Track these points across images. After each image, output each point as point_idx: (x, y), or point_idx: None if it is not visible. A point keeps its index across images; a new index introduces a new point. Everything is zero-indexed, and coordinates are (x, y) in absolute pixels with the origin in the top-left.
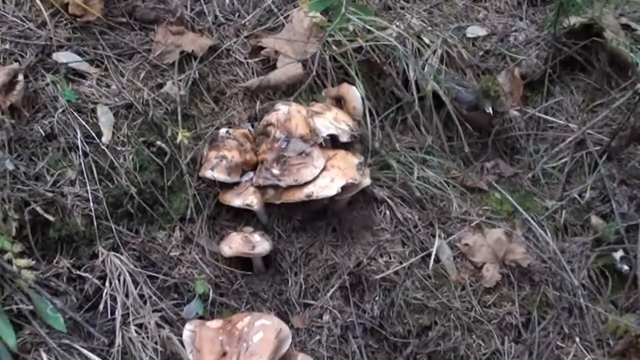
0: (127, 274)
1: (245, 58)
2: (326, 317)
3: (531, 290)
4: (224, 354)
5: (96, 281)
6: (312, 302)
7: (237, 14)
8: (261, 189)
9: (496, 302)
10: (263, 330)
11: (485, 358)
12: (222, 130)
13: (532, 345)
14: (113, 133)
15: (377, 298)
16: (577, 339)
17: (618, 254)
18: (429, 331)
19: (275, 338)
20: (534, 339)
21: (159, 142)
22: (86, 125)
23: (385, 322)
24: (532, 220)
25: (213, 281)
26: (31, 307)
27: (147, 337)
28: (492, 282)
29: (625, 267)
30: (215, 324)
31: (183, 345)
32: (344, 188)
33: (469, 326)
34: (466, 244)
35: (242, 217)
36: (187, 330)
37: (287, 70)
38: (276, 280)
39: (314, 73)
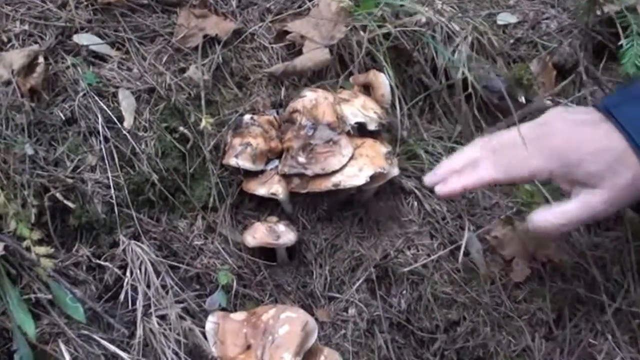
0: (148, 263)
1: (269, 43)
2: (352, 311)
3: (562, 286)
4: (249, 346)
5: (116, 270)
6: (337, 295)
7: None
8: (286, 177)
9: (526, 297)
10: (289, 323)
11: (515, 355)
12: (247, 117)
13: (563, 342)
14: (135, 118)
15: (404, 292)
16: (610, 337)
17: None
18: (457, 326)
19: (301, 331)
20: (565, 336)
21: (181, 128)
22: (107, 110)
23: (413, 317)
24: None
25: (236, 272)
26: (50, 297)
27: (169, 329)
28: (522, 277)
29: None
30: (239, 316)
31: (205, 338)
32: (372, 178)
33: (498, 322)
34: (495, 237)
35: (266, 207)
36: (210, 322)
37: (313, 55)
38: (300, 272)
39: (341, 59)
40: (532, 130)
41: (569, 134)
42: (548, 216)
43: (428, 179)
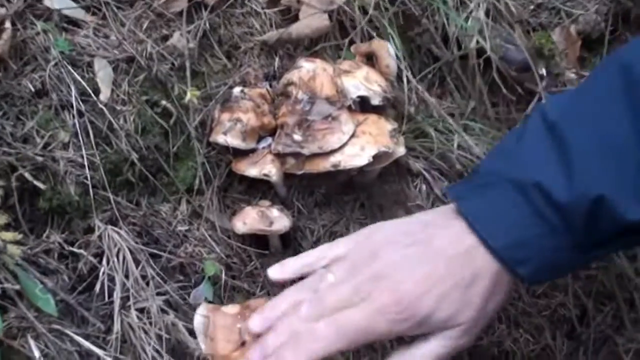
0: (127, 251)
1: (262, 8)
2: None
3: (587, 279)
4: (243, 343)
5: (91, 259)
6: None
7: None
8: (280, 157)
9: (547, 291)
10: None
11: (533, 354)
12: (236, 90)
13: (587, 341)
14: (112, 90)
15: None
16: (639, 335)
17: None
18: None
19: None
20: (590, 335)
21: (163, 102)
22: (82, 81)
23: None
24: None
25: (224, 261)
26: (18, 287)
27: (150, 324)
28: None
29: None
30: (231, 309)
31: (191, 333)
32: (376, 157)
33: (515, 318)
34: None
35: (258, 190)
36: (199, 316)
37: (310, 22)
38: None
39: (342, 26)
40: (359, 270)
41: (407, 273)
42: None
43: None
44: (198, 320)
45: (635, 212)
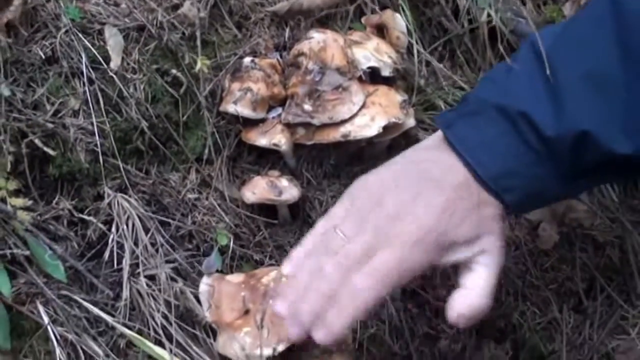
0: (136, 218)
1: None
2: None
3: (594, 253)
4: (247, 311)
5: (101, 226)
6: None
7: None
8: (290, 127)
9: (554, 265)
10: None
11: (540, 327)
12: (247, 60)
13: (593, 314)
14: (122, 58)
15: None
16: None
17: None
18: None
19: None
20: (596, 308)
21: (174, 71)
22: (92, 49)
23: (427, 285)
24: None
25: (233, 231)
26: (27, 253)
27: (159, 290)
28: (549, 244)
29: None
30: (236, 278)
31: (199, 301)
32: (386, 129)
33: (523, 291)
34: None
35: (267, 160)
36: (205, 285)
37: None
38: (304, 232)
39: None
40: (371, 218)
41: (424, 206)
42: (464, 308)
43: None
44: (203, 288)
45: (622, 145)
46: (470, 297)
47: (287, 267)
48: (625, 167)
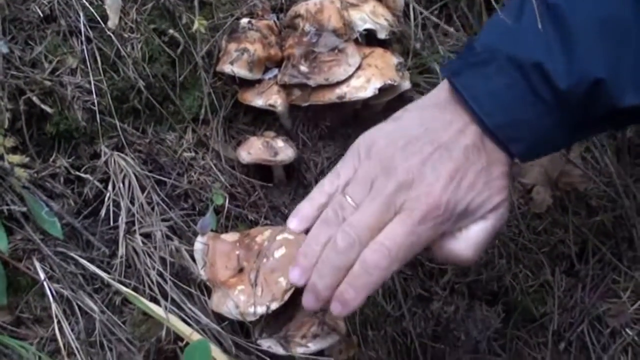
0: (132, 177)
1: None
2: None
3: (587, 217)
4: (241, 269)
5: (97, 184)
6: None
7: None
8: (286, 88)
9: (547, 228)
10: (286, 245)
11: (532, 290)
12: (244, 21)
13: (585, 277)
14: (120, 18)
15: None
16: (637, 274)
17: None
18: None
19: None
20: (588, 271)
21: (171, 31)
22: (90, 7)
23: None
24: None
25: (228, 191)
26: (24, 209)
27: (155, 248)
28: (542, 207)
29: None
30: (230, 237)
31: (193, 259)
32: (381, 91)
33: (515, 254)
34: (515, 163)
35: (263, 121)
36: (199, 243)
37: None
38: (299, 194)
39: None
40: (381, 185)
41: (434, 174)
42: (447, 253)
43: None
44: (198, 247)
45: (633, 96)
46: (456, 245)
47: (293, 222)
48: (630, 118)
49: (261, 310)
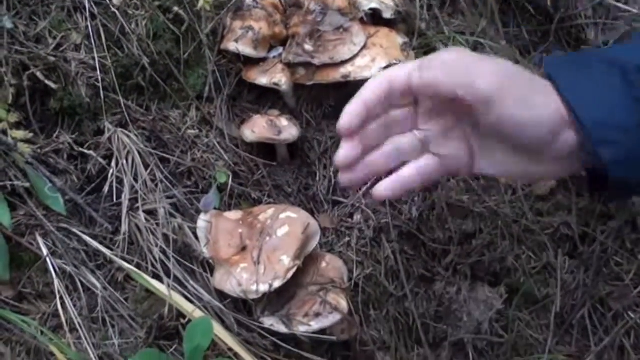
0: (136, 153)
1: None
2: (357, 217)
3: (590, 199)
4: (244, 247)
5: (101, 160)
6: (342, 199)
7: None
8: (291, 67)
9: (551, 210)
10: (289, 224)
11: (535, 272)
12: None
13: (588, 260)
14: None
15: (415, 199)
16: None
17: None
18: (472, 239)
19: (302, 233)
20: (591, 254)
21: (176, 8)
22: None
23: (424, 227)
24: None
25: (232, 169)
26: (27, 185)
27: (157, 225)
28: (545, 189)
29: None
30: (234, 215)
31: (196, 237)
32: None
33: (518, 236)
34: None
35: (267, 99)
36: (202, 221)
37: None
38: (302, 173)
39: None
40: None
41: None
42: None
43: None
44: (201, 224)
45: None
46: None
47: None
48: None
49: (264, 288)
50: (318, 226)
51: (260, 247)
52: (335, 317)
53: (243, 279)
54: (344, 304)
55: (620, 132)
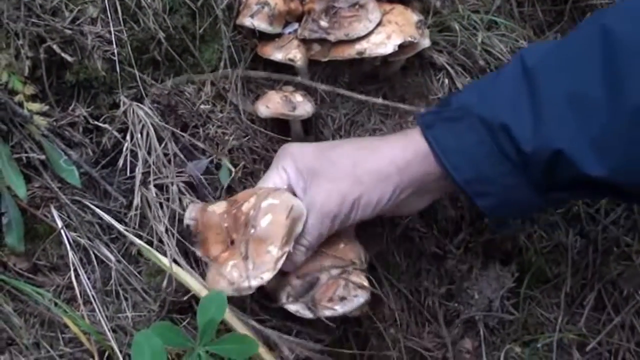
0: (150, 127)
1: None
2: None
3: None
4: (232, 242)
5: (116, 134)
6: None
7: None
8: (306, 42)
9: None
10: (271, 211)
11: (546, 251)
12: None
13: (599, 240)
14: None
15: None
16: None
17: None
18: (484, 217)
19: (286, 219)
20: (602, 234)
21: None
22: None
23: (437, 204)
24: None
25: (245, 145)
26: (43, 157)
27: (167, 200)
28: None
29: None
30: (218, 207)
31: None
32: (401, 47)
33: (530, 215)
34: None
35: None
36: (188, 220)
37: None
38: None
39: None
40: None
41: None
42: None
43: None
44: (188, 223)
45: (592, 168)
46: None
47: None
48: (601, 189)
49: (255, 283)
50: (302, 206)
51: (247, 240)
52: (359, 300)
53: (234, 277)
54: (367, 285)
55: (489, 185)
